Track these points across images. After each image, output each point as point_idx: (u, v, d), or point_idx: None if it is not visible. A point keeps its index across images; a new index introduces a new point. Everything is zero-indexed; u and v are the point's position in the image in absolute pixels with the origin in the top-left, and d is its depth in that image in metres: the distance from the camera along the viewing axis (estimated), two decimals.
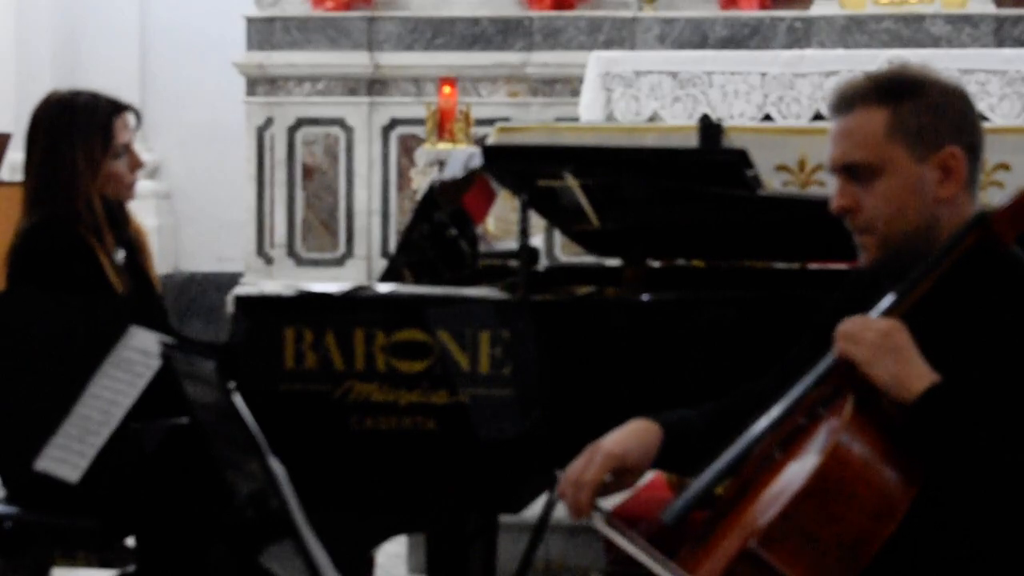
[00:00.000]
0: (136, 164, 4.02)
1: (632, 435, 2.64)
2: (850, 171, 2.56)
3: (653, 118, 7.88)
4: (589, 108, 7.93)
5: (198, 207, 10.11)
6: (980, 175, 2.62)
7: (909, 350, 2.41)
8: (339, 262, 9.36)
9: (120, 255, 3.99)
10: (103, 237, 3.94)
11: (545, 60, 9.11)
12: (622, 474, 2.61)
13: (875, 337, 2.41)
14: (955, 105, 2.57)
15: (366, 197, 9.31)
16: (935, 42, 8.54)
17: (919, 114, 2.54)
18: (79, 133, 3.92)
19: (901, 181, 2.54)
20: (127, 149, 3.98)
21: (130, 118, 4.01)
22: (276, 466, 2.33)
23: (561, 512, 4.39)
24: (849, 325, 2.44)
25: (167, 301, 4.25)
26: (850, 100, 2.57)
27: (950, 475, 2.39)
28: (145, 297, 3.99)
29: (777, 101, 7.93)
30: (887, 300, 2.49)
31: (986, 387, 2.42)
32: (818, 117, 7.34)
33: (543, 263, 4.63)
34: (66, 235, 3.88)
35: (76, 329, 3.72)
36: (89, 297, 3.83)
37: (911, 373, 2.40)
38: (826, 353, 2.49)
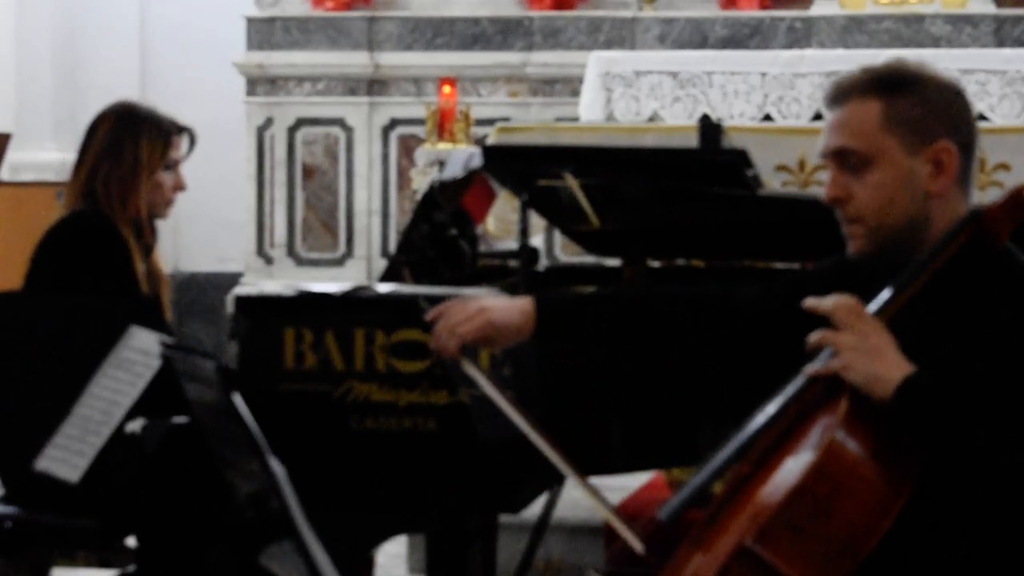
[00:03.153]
0: (179, 185, 4.19)
1: (517, 312, 2.80)
2: (842, 158, 2.57)
3: (653, 118, 7.88)
4: (589, 108, 7.93)
5: (198, 207, 10.08)
6: (975, 173, 2.62)
7: (886, 348, 2.41)
8: (339, 262, 9.36)
9: (143, 267, 4.08)
10: (142, 238, 4.09)
11: (545, 60, 9.11)
12: (491, 341, 2.81)
13: (851, 341, 2.42)
14: (950, 101, 2.58)
15: (366, 197, 9.31)
16: (935, 42, 8.55)
17: (913, 107, 2.55)
18: (146, 133, 4.11)
19: (892, 173, 2.55)
20: (176, 166, 4.15)
21: (185, 141, 4.20)
22: (276, 466, 2.33)
23: (561, 512, 4.41)
24: (826, 335, 2.44)
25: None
26: (846, 92, 2.59)
27: (942, 465, 2.39)
28: (159, 319, 4.02)
29: (777, 101, 7.93)
30: (884, 295, 2.49)
31: (982, 383, 2.42)
32: (818, 117, 7.33)
33: (543, 263, 4.63)
34: (107, 226, 4.02)
35: (76, 329, 3.73)
36: (91, 297, 3.85)
37: (886, 369, 2.40)
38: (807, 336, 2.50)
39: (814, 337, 2.46)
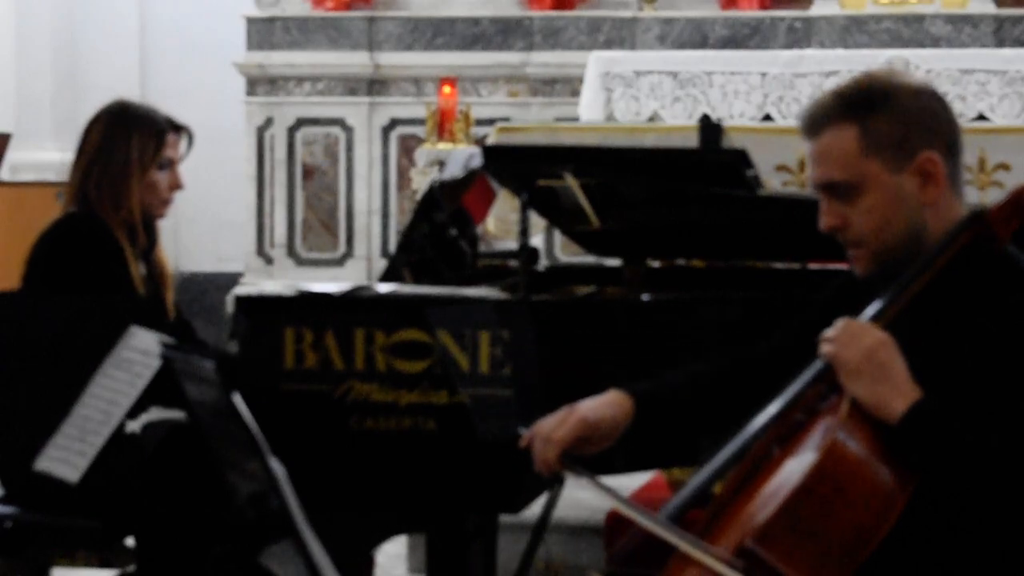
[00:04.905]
0: (175, 183, 4.11)
1: (608, 405, 2.71)
2: (832, 191, 2.57)
3: (653, 118, 7.89)
4: (589, 108, 7.94)
5: (198, 207, 10.09)
6: (962, 171, 2.62)
7: (892, 367, 2.41)
8: (339, 262, 9.36)
9: (142, 267, 4.04)
10: (136, 239, 4.03)
11: (545, 60, 9.11)
12: (590, 441, 2.68)
13: (858, 355, 2.42)
14: (924, 108, 2.56)
15: (366, 197, 9.32)
16: (935, 42, 8.55)
17: (889, 125, 2.54)
18: (136, 132, 4.04)
19: (882, 195, 2.54)
20: (171, 164, 4.08)
21: (182, 141, 4.13)
22: (276, 466, 2.33)
23: (561, 512, 4.40)
24: (838, 334, 2.44)
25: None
26: (820, 121, 2.58)
27: (942, 485, 2.39)
28: (159, 319, 4.00)
29: (777, 101, 7.94)
30: (883, 298, 2.50)
31: (982, 384, 2.42)
32: None
33: (543, 263, 4.63)
34: (99, 228, 3.97)
35: (76, 329, 3.73)
36: (91, 297, 3.84)
37: (892, 393, 2.40)
38: (816, 350, 2.50)
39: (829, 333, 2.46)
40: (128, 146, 4.01)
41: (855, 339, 2.43)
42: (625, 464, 3.58)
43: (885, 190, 2.54)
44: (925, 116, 2.56)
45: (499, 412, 3.39)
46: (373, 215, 9.33)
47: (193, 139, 4.16)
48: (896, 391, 2.40)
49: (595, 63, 8.04)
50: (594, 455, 2.70)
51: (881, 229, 2.55)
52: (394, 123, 9.33)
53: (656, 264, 4.13)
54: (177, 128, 4.10)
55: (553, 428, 2.67)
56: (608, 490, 2.56)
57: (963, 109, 7.66)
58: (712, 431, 2.76)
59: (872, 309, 2.50)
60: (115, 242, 3.96)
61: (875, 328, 2.45)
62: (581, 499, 4.86)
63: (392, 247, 9.07)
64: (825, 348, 2.45)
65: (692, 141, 4.69)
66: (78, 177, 4.05)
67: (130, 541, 3.81)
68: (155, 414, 3.77)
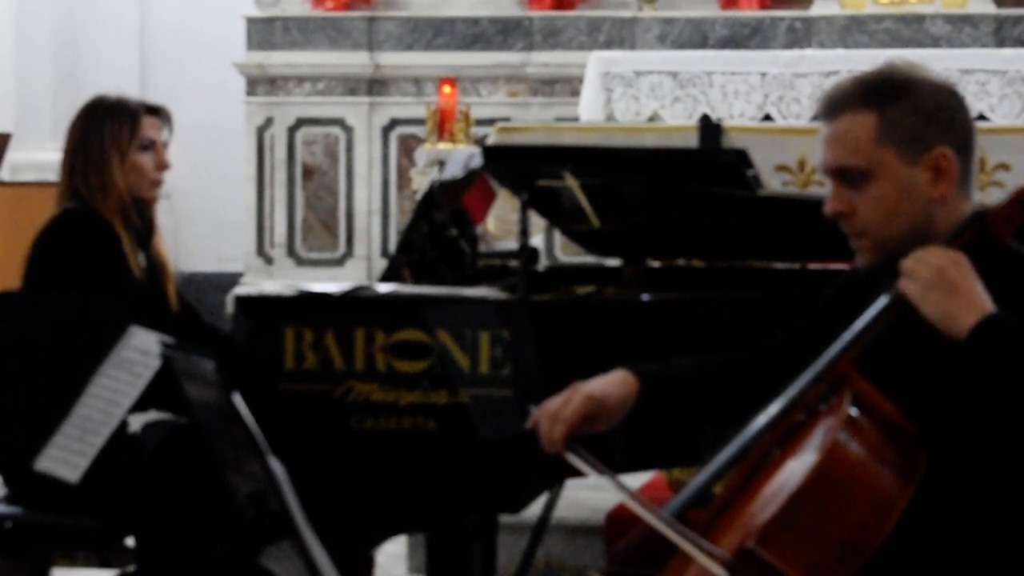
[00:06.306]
0: (162, 163, 4.16)
1: (614, 383, 2.70)
2: (842, 175, 2.57)
3: (653, 118, 7.89)
4: (589, 108, 7.94)
5: (198, 207, 10.11)
6: (974, 172, 2.62)
7: (963, 284, 2.41)
8: (339, 262, 9.36)
9: (142, 258, 4.06)
10: (129, 221, 4.06)
11: (545, 60, 9.11)
12: (597, 418, 2.67)
13: (928, 274, 2.42)
14: (944, 104, 2.56)
15: (366, 197, 9.32)
16: (935, 42, 8.55)
17: (907, 116, 2.53)
18: (108, 119, 4.11)
19: (893, 184, 2.54)
20: (154, 145, 4.13)
21: (161, 122, 4.18)
22: (276, 466, 2.33)
23: (561, 512, 4.41)
24: (908, 263, 2.45)
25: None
26: (839, 104, 2.57)
27: (1007, 410, 2.38)
28: (160, 313, 4.02)
29: (777, 101, 7.94)
30: (881, 301, 2.49)
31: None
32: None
33: (543, 263, 4.62)
34: (95, 221, 4.01)
35: (76, 328, 3.73)
36: (90, 296, 3.85)
37: (961, 308, 2.40)
38: (817, 349, 2.50)
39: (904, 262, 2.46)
40: (102, 134, 4.08)
41: (924, 264, 2.43)
42: (625, 463, 3.59)
43: (895, 180, 2.54)
44: (943, 112, 2.55)
45: (499, 412, 3.38)
46: (373, 215, 9.33)
47: (172, 120, 4.20)
48: (966, 307, 2.40)
49: (595, 63, 8.04)
50: (599, 434, 2.69)
51: (886, 219, 2.54)
52: (394, 123, 9.33)
53: (656, 264, 4.13)
54: (153, 110, 4.15)
55: (560, 406, 2.66)
56: (611, 476, 2.55)
57: None
58: (713, 422, 2.77)
59: (875, 309, 2.50)
60: (111, 233, 3.99)
61: (945, 249, 2.45)
62: (581, 499, 4.86)
63: (392, 247, 9.07)
64: (900, 282, 2.45)
65: (692, 141, 4.69)
66: (65, 174, 4.12)
67: (130, 541, 3.81)
68: (155, 414, 3.77)
